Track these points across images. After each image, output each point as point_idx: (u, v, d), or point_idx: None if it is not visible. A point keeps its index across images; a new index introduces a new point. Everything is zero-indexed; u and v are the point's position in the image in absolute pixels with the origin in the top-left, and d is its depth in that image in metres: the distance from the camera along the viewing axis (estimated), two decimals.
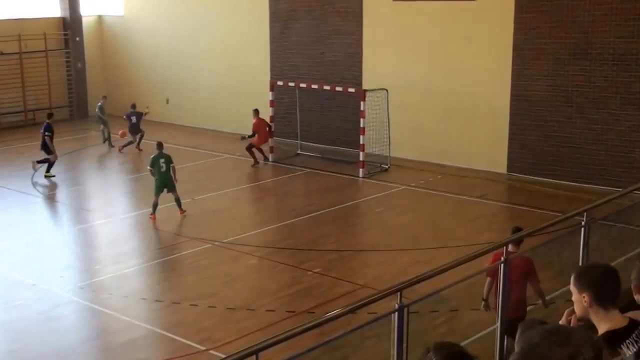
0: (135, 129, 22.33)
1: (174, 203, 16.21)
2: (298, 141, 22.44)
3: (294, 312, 11.46)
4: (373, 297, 6.17)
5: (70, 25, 28.14)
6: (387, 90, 20.16)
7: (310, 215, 16.40)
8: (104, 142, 23.05)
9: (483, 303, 9.16)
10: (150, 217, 16.05)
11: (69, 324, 11.64)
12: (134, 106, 22.73)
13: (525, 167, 18.91)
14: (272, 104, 21.66)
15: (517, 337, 4.29)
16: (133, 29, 28.02)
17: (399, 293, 6.14)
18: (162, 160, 16.15)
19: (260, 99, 22.70)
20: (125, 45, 28.42)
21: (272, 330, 10.44)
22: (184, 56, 26.37)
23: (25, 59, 27.09)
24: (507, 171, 19.23)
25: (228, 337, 10.75)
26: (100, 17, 29.18)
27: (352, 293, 11.97)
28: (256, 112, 21.02)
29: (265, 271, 13.67)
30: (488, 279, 9.18)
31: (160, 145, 16.57)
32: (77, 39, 28.36)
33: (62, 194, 17.56)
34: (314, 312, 11.29)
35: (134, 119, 22.34)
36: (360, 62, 21.84)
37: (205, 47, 25.73)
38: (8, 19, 26.69)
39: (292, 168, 20.26)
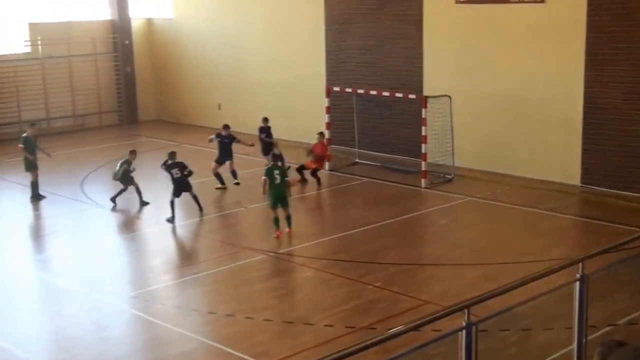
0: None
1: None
2: (356, 149, 22.45)
3: (354, 327, 11.40)
4: (439, 314, 6.11)
5: (119, 28, 28.65)
6: (450, 97, 20.01)
7: (368, 226, 16.35)
8: (141, 205, 18.19)
9: None
10: (275, 236, 15.47)
11: (120, 334, 11.79)
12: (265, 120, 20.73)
13: (601, 179, 18.54)
14: (329, 110, 21.70)
15: (597, 357, 4.17)
16: (183, 32, 28.38)
17: (466, 310, 6.08)
18: (276, 172, 15.64)
19: (316, 105, 22.78)
20: (175, 49, 28.80)
21: (331, 346, 10.39)
22: (236, 60, 26.60)
23: (74, 63, 27.65)
24: (581, 183, 18.91)
25: (284, 352, 10.75)
26: (149, 20, 29.63)
27: (416, 309, 11.87)
28: (322, 135, 20.44)
29: (322, 284, 13.65)
30: None
31: (276, 157, 16.54)
32: (126, 42, 28.84)
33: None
34: (375, 329, 11.22)
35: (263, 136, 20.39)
36: (421, 67, 21.75)
37: (257, 51, 25.91)
38: (57, 22, 27.31)
39: (350, 177, 20.23)
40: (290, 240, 15.50)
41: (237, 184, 19.37)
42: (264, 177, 15.75)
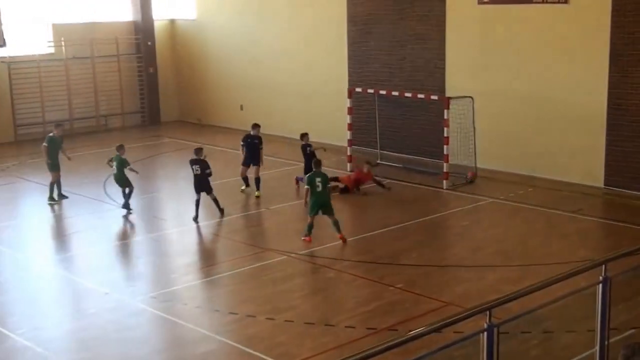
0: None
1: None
2: (378, 150, 22.46)
3: (375, 329, 11.41)
4: (461, 316, 6.14)
5: (142, 29, 28.84)
6: (472, 97, 19.98)
7: (390, 228, 16.37)
8: (129, 209, 17.76)
9: None
10: (304, 239, 15.33)
11: (141, 334, 11.86)
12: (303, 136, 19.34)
13: (625, 181, 18.44)
14: (351, 111, 21.73)
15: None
16: (206, 33, 28.54)
17: (488, 312, 6.09)
18: (318, 180, 15.34)
19: (338, 106, 22.82)
20: (198, 50, 28.96)
21: (352, 347, 10.43)
22: (258, 61, 26.69)
23: (97, 64, 27.87)
24: (605, 185, 18.82)
25: (305, 353, 10.79)
26: (172, 21, 29.81)
27: (437, 311, 11.88)
28: (370, 165, 19.61)
29: (343, 285, 13.68)
30: None
31: (317, 164, 15.78)
32: (149, 43, 29.04)
33: (135, 202, 17.95)
34: (396, 330, 11.24)
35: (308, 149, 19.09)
36: (444, 68, 21.73)
37: (280, 52, 26.00)
38: (80, 23, 27.56)
39: None
40: (342, 245, 15.32)
41: (258, 196, 18.72)
42: (306, 187, 15.45)
